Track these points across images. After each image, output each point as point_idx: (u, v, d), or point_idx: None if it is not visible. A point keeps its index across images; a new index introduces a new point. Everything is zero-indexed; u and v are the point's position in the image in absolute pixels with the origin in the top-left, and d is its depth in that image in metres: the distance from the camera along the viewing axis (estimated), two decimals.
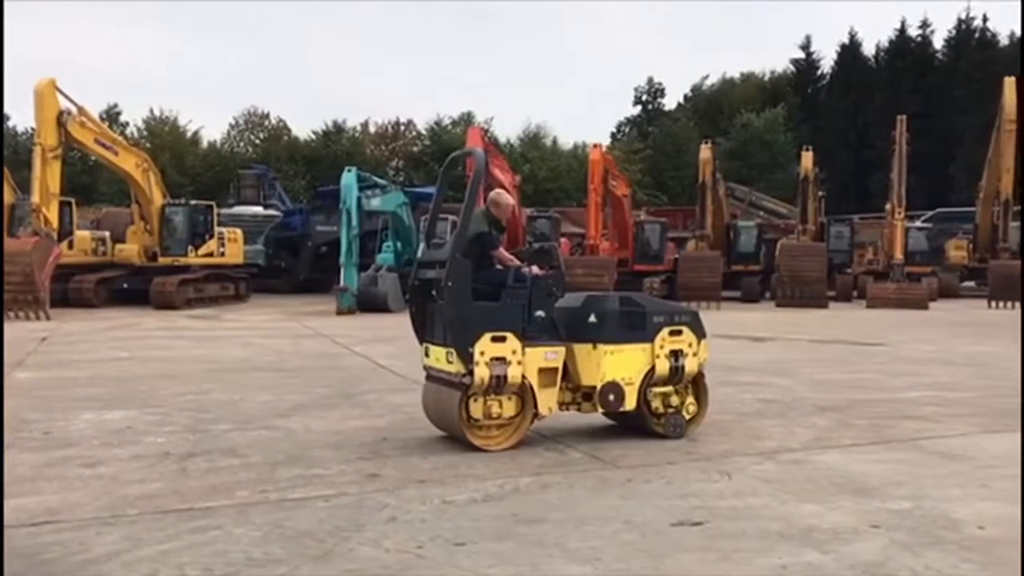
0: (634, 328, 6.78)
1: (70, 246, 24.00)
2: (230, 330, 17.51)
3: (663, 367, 6.80)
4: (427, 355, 6.85)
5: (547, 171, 55.28)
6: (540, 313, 6.59)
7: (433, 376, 6.84)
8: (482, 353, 6.23)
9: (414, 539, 4.46)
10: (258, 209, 36.23)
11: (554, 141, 62.16)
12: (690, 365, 6.89)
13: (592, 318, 6.72)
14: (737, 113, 65.08)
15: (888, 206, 28.45)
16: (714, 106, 72.35)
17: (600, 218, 28.04)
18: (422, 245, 7.32)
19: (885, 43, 68.16)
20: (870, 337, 16.20)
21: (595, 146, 28.72)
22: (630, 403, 6.74)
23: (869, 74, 67.15)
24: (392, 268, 23.72)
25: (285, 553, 4.25)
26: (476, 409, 6.38)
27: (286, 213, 35.45)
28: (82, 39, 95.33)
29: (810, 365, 12.09)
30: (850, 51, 69.52)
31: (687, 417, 6.97)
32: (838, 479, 5.70)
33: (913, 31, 67.39)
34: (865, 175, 59.06)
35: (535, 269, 6.88)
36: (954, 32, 65.67)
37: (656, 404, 6.90)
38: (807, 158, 31.91)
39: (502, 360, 6.29)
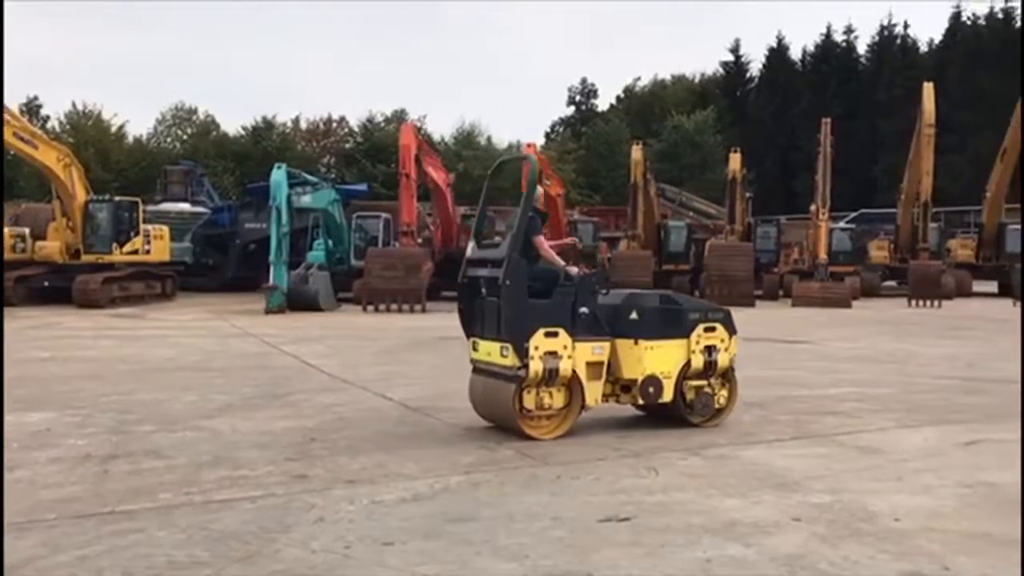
0: (672, 325, 7.23)
1: None
2: (155, 329, 17.14)
3: (698, 361, 7.26)
4: (475, 349, 7.17)
5: (482, 169, 55.10)
6: (584, 310, 6.93)
7: (481, 369, 7.14)
8: (536, 348, 6.59)
9: (342, 539, 4.43)
10: (185, 206, 35.45)
11: (488, 140, 62.17)
12: (722, 360, 7.39)
13: (633, 315, 7.13)
14: (668, 115, 65.90)
15: (813, 207, 29.05)
16: (646, 107, 73.27)
17: None
18: (471, 244, 7.66)
19: (811, 47, 69.85)
20: (795, 335, 16.55)
21: (529, 145, 28.88)
22: (668, 395, 7.16)
23: (796, 77, 68.67)
24: (323, 266, 23.45)
25: (210, 555, 4.19)
26: (529, 400, 6.73)
27: (214, 210, 34.76)
28: None
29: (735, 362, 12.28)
30: (778, 54, 71.02)
31: (718, 407, 7.45)
32: (761, 474, 5.83)
33: (838, 36, 69.20)
34: (791, 176, 60.40)
35: (573, 269, 7.22)
36: (877, 38, 67.57)
37: (691, 396, 7.31)
38: (735, 159, 32.44)
39: (554, 354, 6.65)
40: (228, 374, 10.62)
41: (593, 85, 78.90)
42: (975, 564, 4.17)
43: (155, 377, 10.26)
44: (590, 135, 65.99)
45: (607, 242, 34.11)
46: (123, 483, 5.48)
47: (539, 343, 6.60)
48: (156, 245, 26.12)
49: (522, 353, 6.55)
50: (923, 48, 66.05)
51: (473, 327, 7.20)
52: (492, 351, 6.87)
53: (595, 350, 6.92)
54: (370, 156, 55.41)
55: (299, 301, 21.61)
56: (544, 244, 7.19)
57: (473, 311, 7.20)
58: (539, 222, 7.30)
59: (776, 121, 65.86)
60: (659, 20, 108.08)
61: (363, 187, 38.25)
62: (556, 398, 6.82)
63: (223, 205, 35.99)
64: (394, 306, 21.59)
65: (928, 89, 29.18)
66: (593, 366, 6.92)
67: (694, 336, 7.24)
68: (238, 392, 9.13)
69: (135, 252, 25.13)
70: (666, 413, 7.35)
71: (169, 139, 57.66)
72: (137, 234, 25.27)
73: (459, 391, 9.18)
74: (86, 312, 21.06)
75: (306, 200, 24.19)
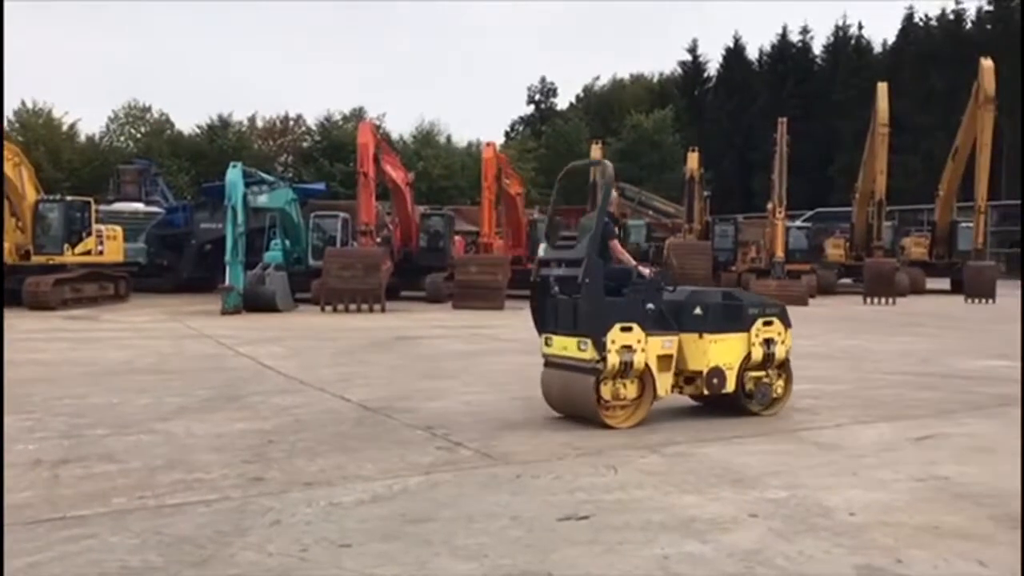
0: (733, 319, 7.66)
1: None
2: (109, 331, 16.86)
3: (758, 353, 7.71)
4: (547, 345, 7.54)
5: (441, 169, 55.17)
6: (650, 306, 7.35)
7: (555, 363, 7.51)
8: (613, 342, 6.97)
9: (298, 542, 4.39)
10: (139, 206, 34.95)
11: (448, 139, 62.18)
12: (779, 352, 7.83)
13: (697, 310, 7.54)
14: (627, 114, 66.29)
15: (770, 206, 29.36)
16: (605, 106, 73.69)
17: (494, 216, 28.12)
18: (543, 245, 8.05)
19: (768, 47, 70.66)
20: None
21: (488, 144, 28.76)
22: (730, 386, 7.60)
23: (752, 77, 69.42)
24: (280, 266, 23.22)
25: (163, 560, 4.12)
26: (606, 391, 7.12)
27: (169, 210, 34.30)
28: None
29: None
30: (735, 54, 71.74)
31: (775, 396, 7.87)
32: (719, 470, 5.87)
33: (794, 37, 70.08)
34: (749, 176, 61.08)
35: (643, 269, 7.70)
36: (832, 39, 68.50)
37: (750, 387, 7.75)
38: (693, 159, 32.70)
39: (629, 348, 7.05)
40: (183, 376, 10.47)
41: (552, 84, 79.35)
42: (927, 557, 4.24)
43: (109, 380, 10.08)
44: (550, 134, 66.23)
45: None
46: (75, 488, 5.38)
47: (615, 337, 6.99)
48: (109, 246, 25.69)
49: (600, 347, 6.93)
50: (877, 49, 67.13)
51: (546, 324, 7.57)
52: (568, 346, 7.26)
53: (665, 344, 7.32)
54: (328, 155, 55.11)
55: (256, 302, 21.38)
56: (618, 246, 7.75)
57: (545, 309, 7.59)
58: (613, 226, 7.83)
59: (733, 121, 66.52)
60: (618, 20, 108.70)
61: (321, 186, 37.99)
62: (630, 389, 7.21)
63: (178, 205, 35.51)
64: (352, 306, 21.44)
65: (882, 89, 29.66)
66: (663, 359, 7.33)
67: (754, 330, 7.67)
68: (193, 394, 9.00)
69: (87, 253, 24.69)
70: (724, 403, 7.74)
71: (122, 138, 56.83)
72: (89, 234, 24.83)
73: (418, 391, 9.20)
74: (37, 314, 20.66)
75: (262, 199, 23.95)
